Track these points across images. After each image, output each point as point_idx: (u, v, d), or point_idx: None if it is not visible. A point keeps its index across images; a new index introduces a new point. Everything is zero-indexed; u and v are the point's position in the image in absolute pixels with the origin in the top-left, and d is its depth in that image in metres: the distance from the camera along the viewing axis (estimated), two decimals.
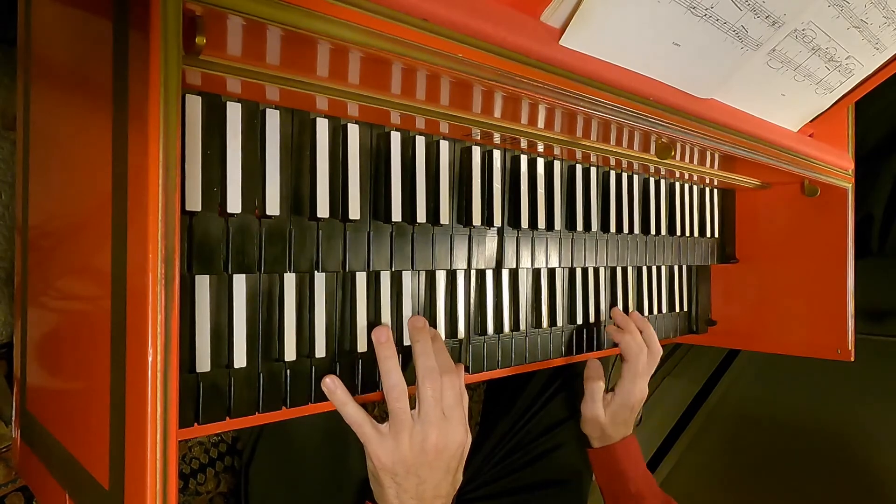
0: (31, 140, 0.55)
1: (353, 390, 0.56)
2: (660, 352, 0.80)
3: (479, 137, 0.62)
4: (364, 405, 0.75)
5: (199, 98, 0.45)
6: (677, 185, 0.91)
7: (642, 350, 0.78)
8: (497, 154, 0.66)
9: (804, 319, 0.96)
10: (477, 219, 0.64)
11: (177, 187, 0.31)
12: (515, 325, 0.71)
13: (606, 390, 0.78)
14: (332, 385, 0.52)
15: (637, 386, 0.77)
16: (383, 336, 0.54)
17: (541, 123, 0.59)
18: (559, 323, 0.76)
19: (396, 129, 0.57)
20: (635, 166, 0.80)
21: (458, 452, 0.55)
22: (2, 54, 0.67)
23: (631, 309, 0.87)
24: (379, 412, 1.24)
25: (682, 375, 1.83)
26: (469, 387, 1.37)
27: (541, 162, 0.71)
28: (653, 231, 0.85)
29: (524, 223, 0.69)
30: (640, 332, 0.79)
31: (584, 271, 0.80)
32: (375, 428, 0.52)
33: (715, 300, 1.06)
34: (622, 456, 0.78)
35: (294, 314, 0.52)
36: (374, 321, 0.57)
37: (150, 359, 0.31)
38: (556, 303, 0.76)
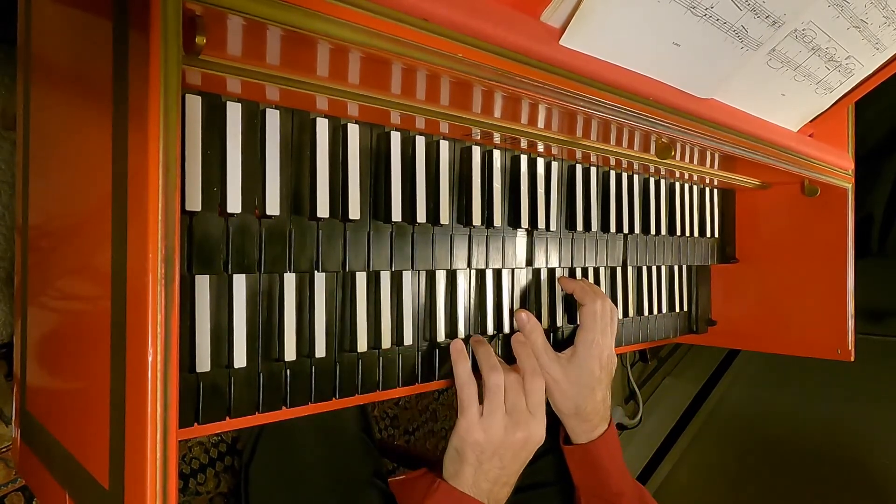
0: (31, 140, 0.55)
1: (352, 390, 0.56)
2: (615, 310, 0.73)
3: (479, 137, 0.62)
4: (364, 407, 0.75)
5: (199, 98, 0.45)
6: (677, 185, 0.91)
7: (597, 294, 0.71)
8: (497, 154, 0.66)
9: (804, 319, 0.96)
10: (477, 219, 0.64)
11: (177, 187, 0.31)
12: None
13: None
14: (464, 349, 0.59)
15: (595, 334, 0.68)
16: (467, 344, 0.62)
17: (541, 123, 0.59)
18: (559, 323, 0.76)
19: (396, 129, 0.57)
20: (635, 166, 0.80)
21: (534, 447, 0.60)
22: (2, 54, 0.67)
23: (631, 312, 0.87)
24: (379, 412, 1.24)
25: (682, 375, 1.83)
26: None
27: (541, 162, 0.71)
28: (653, 231, 0.85)
29: (524, 223, 0.69)
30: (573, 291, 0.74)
31: (584, 271, 0.80)
32: (478, 402, 0.58)
33: (715, 300, 1.06)
34: (604, 454, 0.71)
35: (294, 314, 0.52)
36: (374, 321, 0.57)
37: (150, 359, 0.31)
38: (556, 303, 0.76)
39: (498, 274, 0.69)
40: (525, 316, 0.69)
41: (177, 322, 0.32)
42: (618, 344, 0.86)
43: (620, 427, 1.66)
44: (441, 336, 0.63)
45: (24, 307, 0.57)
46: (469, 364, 0.60)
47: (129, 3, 0.33)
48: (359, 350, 0.56)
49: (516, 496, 0.82)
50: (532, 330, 0.68)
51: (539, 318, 0.74)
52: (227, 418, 0.49)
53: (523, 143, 0.65)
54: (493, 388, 0.58)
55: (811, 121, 0.74)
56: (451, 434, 0.59)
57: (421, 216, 0.59)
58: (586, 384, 0.68)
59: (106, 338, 0.36)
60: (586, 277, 0.80)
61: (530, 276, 0.73)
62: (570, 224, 0.75)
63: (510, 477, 0.58)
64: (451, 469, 0.58)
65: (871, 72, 0.69)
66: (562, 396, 0.69)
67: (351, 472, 0.69)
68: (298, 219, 0.51)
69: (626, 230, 0.82)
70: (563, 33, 0.45)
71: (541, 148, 0.68)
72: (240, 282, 0.48)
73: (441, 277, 0.63)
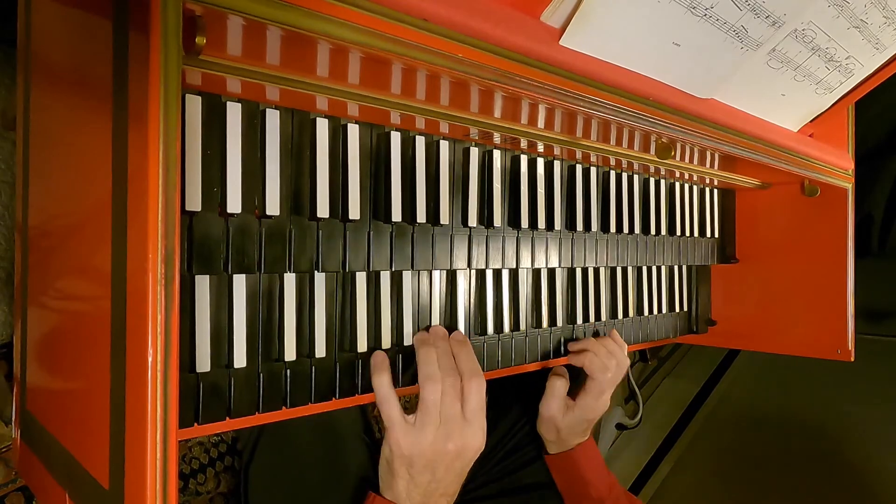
0: (31, 140, 0.55)
1: (352, 390, 0.56)
2: (627, 363, 0.77)
3: (478, 137, 0.62)
4: (364, 407, 0.75)
5: (199, 98, 0.45)
6: (677, 185, 0.91)
7: (607, 369, 0.74)
8: (497, 154, 0.66)
9: (804, 319, 0.96)
10: (477, 219, 0.64)
11: (177, 187, 0.31)
12: (515, 325, 0.71)
13: (571, 395, 0.75)
14: (382, 360, 0.55)
15: (600, 402, 0.74)
16: (424, 335, 0.59)
17: (541, 123, 0.59)
18: (559, 323, 0.76)
19: (396, 129, 0.57)
20: (635, 166, 0.80)
21: (473, 457, 0.56)
22: (2, 54, 0.67)
23: (631, 312, 0.87)
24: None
25: (682, 375, 1.83)
26: None
27: (541, 162, 0.71)
28: (653, 231, 0.85)
29: (524, 223, 0.69)
30: (607, 346, 0.76)
31: (584, 271, 0.80)
32: (403, 415, 0.54)
33: (715, 300, 1.06)
34: (582, 461, 0.77)
35: (294, 314, 0.52)
36: (374, 321, 0.57)
37: (150, 359, 0.31)
38: (556, 303, 0.76)
39: (498, 274, 0.69)
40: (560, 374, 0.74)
41: (177, 322, 0.32)
42: None
43: (620, 427, 1.66)
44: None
45: (24, 307, 0.57)
46: (388, 377, 0.54)
47: (129, 3, 0.33)
48: (359, 350, 0.56)
49: (511, 499, 0.83)
50: (554, 382, 0.74)
51: (540, 317, 0.74)
52: (227, 418, 0.49)
53: (523, 144, 0.65)
54: (428, 402, 0.53)
55: (811, 121, 0.74)
56: (383, 443, 0.56)
57: (421, 216, 0.59)
58: (577, 431, 0.76)
59: (106, 338, 0.36)
60: (586, 277, 0.80)
61: (530, 277, 0.73)
62: (570, 224, 0.75)
63: (447, 487, 0.55)
64: (385, 480, 0.56)
65: (871, 72, 0.69)
66: (549, 430, 0.77)
67: (351, 473, 0.69)
68: (298, 219, 0.51)
69: (626, 230, 0.82)
70: (563, 33, 0.45)
71: (541, 148, 0.68)
72: (240, 282, 0.48)
73: (441, 278, 0.63)
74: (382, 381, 0.54)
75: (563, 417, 0.75)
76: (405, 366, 0.59)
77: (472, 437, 0.54)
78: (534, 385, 0.89)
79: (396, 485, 0.53)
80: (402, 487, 0.53)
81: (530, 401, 0.88)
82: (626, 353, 0.77)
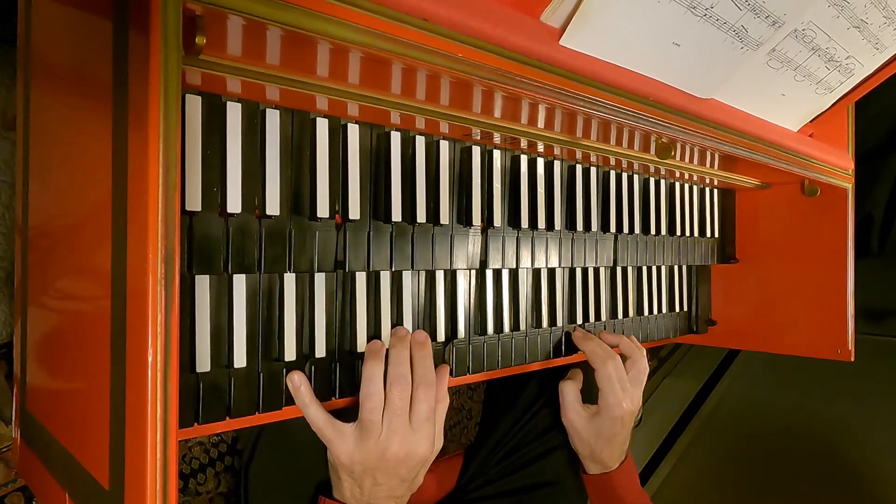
0: (31, 140, 0.55)
1: (353, 391, 0.56)
2: (644, 364, 0.75)
3: (479, 137, 0.62)
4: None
5: (199, 98, 0.45)
6: (677, 185, 0.91)
7: (608, 357, 0.71)
8: (497, 154, 0.66)
9: (804, 319, 0.96)
10: (477, 219, 0.64)
11: (177, 187, 0.31)
12: (515, 325, 0.71)
13: (587, 401, 0.74)
14: (298, 381, 0.52)
15: (617, 397, 0.70)
16: (377, 345, 0.56)
17: (541, 123, 0.59)
18: (559, 323, 0.76)
19: (396, 129, 0.57)
20: (635, 166, 0.80)
21: (418, 464, 0.55)
22: (2, 54, 0.67)
23: (631, 312, 0.87)
24: None
25: (682, 375, 1.83)
26: (469, 387, 1.35)
27: (541, 162, 0.71)
28: (653, 231, 0.85)
29: (524, 223, 0.69)
30: (618, 346, 0.75)
31: (584, 271, 0.80)
32: (337, 431, 0.53)
33: (715, 300, 1.06)
34: (620, 484, 0.74)
35: (294, 314, 0.52)
36: (374, 321, 0.57)
37: (150, 359, 0.31)
38: (556, 303, 0.76)
39: (498, 274, 0.69)
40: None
41: (177, 322, 0.32)
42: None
43: None
44: (441, 336, 0.63)
45: (24, 307, 0.57)
46: (315, 405, 0.53)
47: (129, 3, 0.33)
48: (358, 350, 0.56)
49: (511, 498, 0.82)
50: (563, 388, 0.73)
51: (540, 317, 0.74)
52: (227, 418, 0.49)
53: (523, 143, 0.65)
54: (367, 422, 0.53)
55: (811, 121, 0.74)
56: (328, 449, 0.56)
57: (421, 216, 0.59)
58: (605, 438, 0.72)
59: (106, 338, 0.36)
60: (586, 277, 0.80)
61: (530, 277, 0.73)
62: (570, 224, 0.75)
63: (391, 490, 0.55)
64: (333, 483, 0.57)
65: (871, 72, 0.69)
66: (581, 442, 0.74)
67: None
68: (298, 219, 0.51)
69: (626, 230, 0.82)
70: (562, 33, 0.45)
71: (541, 148, 0.68)
72: (240, 282, 0.48)
73: (441, 277, 0.63)
74: (310, 413, 0.52)
75: (586, 424, 0.73)
76: None
77: (416, 446, 0.54)
78: (533, 384, 0.89)
79: (343, 487, 0.55)
80: (348, 489, 0.55)
81: (530, 400, 0.88)
82: (615, 355, 0.74)
